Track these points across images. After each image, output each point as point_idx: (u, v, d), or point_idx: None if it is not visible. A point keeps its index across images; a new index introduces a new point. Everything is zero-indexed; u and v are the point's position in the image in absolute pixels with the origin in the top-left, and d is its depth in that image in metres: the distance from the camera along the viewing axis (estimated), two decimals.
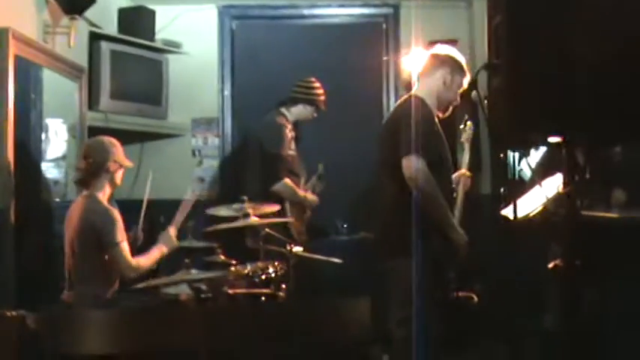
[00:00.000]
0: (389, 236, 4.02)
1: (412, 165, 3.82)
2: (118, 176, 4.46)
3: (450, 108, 4.25)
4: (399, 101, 4.34)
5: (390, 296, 3.95)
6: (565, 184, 2.64)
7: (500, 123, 2.54)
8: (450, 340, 4.24)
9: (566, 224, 2.66)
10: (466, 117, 4.70)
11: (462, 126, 4.72)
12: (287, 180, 5.43)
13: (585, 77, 2.42)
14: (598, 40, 2.42)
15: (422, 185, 3.81)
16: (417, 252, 3.70)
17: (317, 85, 5.73)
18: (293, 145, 5.65)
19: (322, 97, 5.73)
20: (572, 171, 2.65)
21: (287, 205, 5.43)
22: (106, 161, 4.34)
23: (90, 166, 4.34)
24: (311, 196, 5.69)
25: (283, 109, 5.68)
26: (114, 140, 4.46)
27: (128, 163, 4.51)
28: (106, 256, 4.19)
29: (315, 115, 5.76)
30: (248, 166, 5.65)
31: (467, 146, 4.67)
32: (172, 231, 4.55)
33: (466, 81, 4.22)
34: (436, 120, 4.14)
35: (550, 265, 3.40)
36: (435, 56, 4.25)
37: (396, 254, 3.92)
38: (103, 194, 4.37)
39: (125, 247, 4.23)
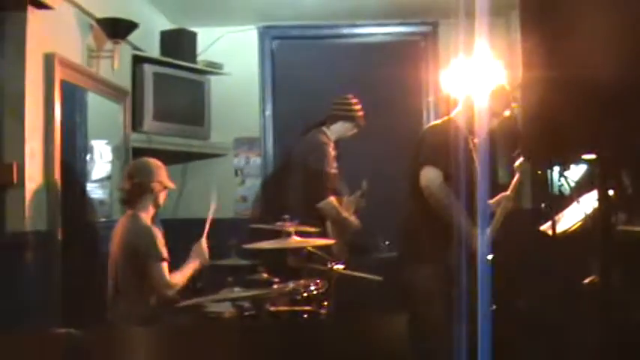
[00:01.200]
0: (408, 246, 4.11)
1: (428, 175, 4.05)
2: (162, 197, 4.54)
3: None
4: (434, 124, 4.49)
5: (411, 299, 4.02)
6: (599, 199, 2.67)
7: (533, 141, 2.59)
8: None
9: (600, 240, 2.68)
10: (518, 151, 4.72)
11: (514, 154, 4.80)
12: (332, 198, 5.48)
13: (616, 96, 2.45)
14: (629, 56, 2.45)
15: (436, 194, 4.00)
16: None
17: (355, 101, 5.79)
18: (335, 163, 5.71)
19: (360, 113, 5.79)
20: (605, 186, 2.67)
21: (329, 224, 5.49)
22: (149, 182, 4.44)
23: (134, 187, 4.44)
24: (354, 220, 5.70)
25: (324, 128, 5.74)
26: (158, 162, 4.55)
27: (171, 185, 4.60)
28: (145, 272, 4.28)
29: (355, 131, 5.82)
30: (291, 186, 5.71)
31: (518, 174, 4.71)
32: (204, 244, 4.61)
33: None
34: (469, 141, 4.24)
35: (586, 281, 3.42)
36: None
37: (414, 261, 4.01)
38: (147, 214, 4.46)
39: (164, 265, 4.30)
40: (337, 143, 5.81)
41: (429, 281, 4.00)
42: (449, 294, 3.99)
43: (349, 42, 6.87)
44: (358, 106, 5.79)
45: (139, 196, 4.45)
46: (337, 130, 5.77)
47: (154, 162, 4.55)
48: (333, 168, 5.62)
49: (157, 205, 4.55)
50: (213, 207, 4.67)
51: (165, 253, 4.35)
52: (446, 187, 3.98)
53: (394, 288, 4.56)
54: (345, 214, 5.60)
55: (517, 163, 4.70)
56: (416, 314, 3.96)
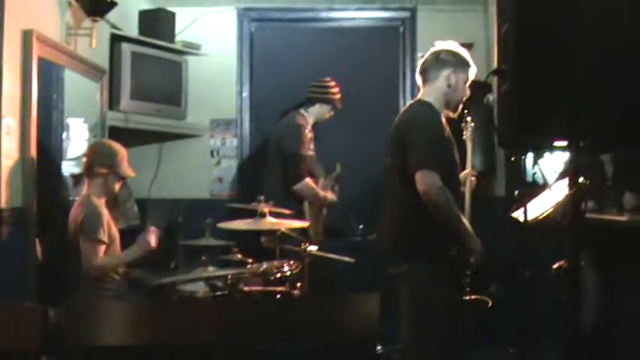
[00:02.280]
0: (403, 240, 4.05)
1: (425, 180, 3.84)
2: (115, 186, 4.48)
3: (460, 106, 4.23)
4: (406, 106, 4.36)
5: (402, 299, 4.01)
6: (570, 187, 2.71)
7: (507, 127, 2.62)
8: (463, 344, 4.32)
9: (569, 227, 2.72)
10: (466, 113, 4.69)
11: (463, 123, 4.75)
12: (308, 180, 5.53)
13: (590, 81, 2.49)
14: (603, 44, 2.49)
15: (436, 199, 3.82)
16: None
17: (332, 84, 5.85)
18: (312, 146, 5.75)
19: (338, 96, 5.85)
20: (576, 174, 2.72)
21: (306, 205, 5.53)
22: (103, 168, 4.40)
23: (87, 167, 4.43)
24: (331, 195, 5.78)
25: (302, 110, 5.79)
26: (121, 149, 4.50)
27: (130, 174, 4.54)
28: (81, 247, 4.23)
29: (332, 113, 5.88)
30: (268, 168, 5.75)
31: (469, 144, 4.71)
32: (152, 234, 4.40)
33: (472, 72, 4.18)
34: (444, 124, 4.13)
35: (554, 267, 3.47)
36: (435, 57, 4.19)
37: (411, 258, 3.97)
38: (97, 195, 4.41)
39: (98, 247, 4.22)
40: (315, 126, 5.85)
41: (431, 280, 3.94)
42: (451, 294, 4.04)
43: (327, 26, 6.87)
44: (336, 89, 5.84)
45: (89, 177, 4.43)
46: (315, 112, 5.81)
47: (116, 148, 4.49)
48: (309, 150, 5.66)
49: (108, 193, 4.48)
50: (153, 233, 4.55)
51: (103, 236, 4.26)
52: (446, 191, 3.84)
53: (368, 270, 4.61)
54: (322, 193, 5.65)
55: (466, 133, 4.75)
56: (409, 306, 4.03)
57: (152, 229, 4.42)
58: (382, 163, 4.28)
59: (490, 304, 4.50)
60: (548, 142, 2.73)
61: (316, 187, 5.62)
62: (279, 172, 5.58)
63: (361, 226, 6.42)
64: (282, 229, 4.64)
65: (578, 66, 2.47)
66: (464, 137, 4.73)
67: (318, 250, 4.64)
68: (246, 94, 6.74)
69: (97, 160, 4.41)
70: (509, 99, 2.59)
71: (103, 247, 4.25)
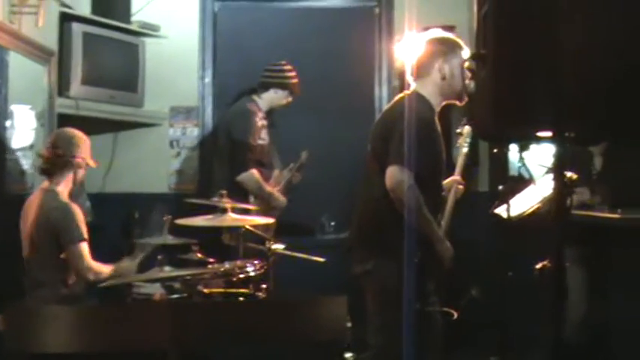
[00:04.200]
0: (371, 234, 4.06)
1: (395, 176, 3.85)
2: (81, 174, 4.51)
3: (465, 94, 4.16)
4: (399, 97, 4.28)
5: (368, 301, 4.02)
6: (555, 181, 2.72)
7: (486, 116, 2.63)
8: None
9: (554, 224, 2.73)
10: (464, 120, 4.72)
11: (458, 130, 4.74)
12: (254, 171, 5.55)
13: (577, 69, 2.50)
14: (591, 29, 2.50)
15: (403, 199, 3.83)
16: (408, 258, 3.74)
17: (288, 67, 5.88)
18: (264, 134, 5.77)
19: (294, 81, 5.87)
20: (562, 167, 2.73)
21: (251, 199, 5.55)
22: (72, 156, 4.41)
23: (55, 158, 4.40)
24: (278, 196, 5.77)
25: (254, 96, 5.84)
26: (84, 136, 4.52)
27: (93, 163, 4.57)
28: (64, 255, 4.27)
29: (290, 99, 5.90)
30: (217, 158, 5.78)
31: (462, 151, 4.68)
32: (132, 264, 4.53)
33: (465, 54, 4.13)
34: (436, 121, 4.12)
35: (537, 267, 3.49)
36: (425, 49, 4.18)
37: (376, 256, 3.98)
38: (64, 189, 4.43)
39: (85, 246, 4.29)
40: (271, 113, 5.86)
41: (390, 277, 3.93)
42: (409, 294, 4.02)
43: (297, 5, 6.87)
44: (292, 73, 5.86)
45: (60, 168, 4.42)
46: (269, 98, 5.85)
47: (81, 135, 4.52)
48: (260, 139, 5.68)
49: (75, 182, 4.52)
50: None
51: (85, 232, 4.32)
52: (416, 191, 3.84)
53: (339, 271, 4.61)
54: (269, 188, 5.66)
55: (461, 139, 4.70)
56: (374, 309, 4.03)
57: (135, 262, 4.52)
58: (357, 154, 4.28)
59: (455, 316, 4.51)
60: (531, 133, 2.72)
61: (262, 180, 5.62)
62: (226, 162, 5.62)
63: (333, 223, 6.43)
64: (246, 226, 4.64)
65: (564, 50, 2.47)
66: (457, 145, 4.71)
67: (285, 248, 4.64)
68: (208, 79, 6.72)
69: (68, 148, 4.42)
70: (487, 86, 2.59)
71: (87, 245, 4.31)
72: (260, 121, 5.72)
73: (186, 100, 6.68)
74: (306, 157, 5.97)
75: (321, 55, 6.42)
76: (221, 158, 5.69)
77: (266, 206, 5.63)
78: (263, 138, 5.73)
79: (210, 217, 4.49)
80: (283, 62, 5.89)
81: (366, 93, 6.66)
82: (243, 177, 5.51)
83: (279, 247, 4.60)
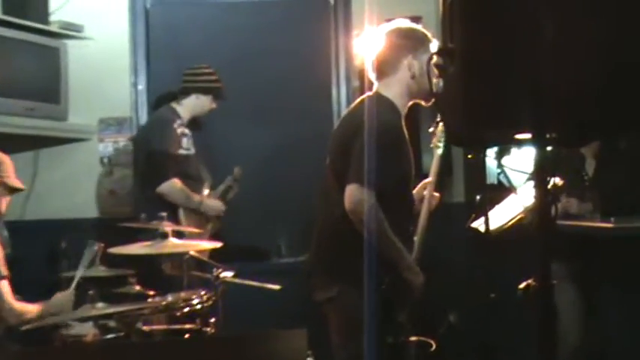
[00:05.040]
0: (331, 260, 4.06)
1: (354, 196, 3.85)
2: (4, 202, 4.46)
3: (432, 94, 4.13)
4: (360, 100, 4.28)
5: (332, 332, 4.03)
6: (537, 188, 2.75)
7: (456, 118, 2.64)
8: None
9: (538, 237, 2.76)
10: (438, 119, 4.70)
11: (431, 129, 4.74)
12: (175, 180, 5.59)
13: (557, 58, 2.51)
14: (571, 11, 2.51)
15: (363, 219, 3.83)
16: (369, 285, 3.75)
17: (209, 71, 5.98)
18: (187, 144, 5.83)
19: (217, 85, 5.98)
20: (543, 173, 2.75)
21: (181, 213, 5.57)
22: None
23: None
24: (211, 201, 5.83)
25: (173, 104, 5.93)
26: (3, 155, 4.48)
27: (19, 185, 4.53)
28: None
29: (214, 106, 6.00)
30: (137, 175, 5.88)
31: (437, 153, 4.62)
32: (67, 296, 4.46)
33: (435, 47, 4.10)
34: (403, 127, 4.12)
35: (520, 286, 3.52)
36: (390, 43, 4.17)
37: (340, 282, 3.99)
38: None
39: (5, 284, 4.24)
40: (195, 120, 5.95)
41: (354, 305, 3.92)
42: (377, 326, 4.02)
43: None
44: (213, 77, 5.98)
45: None
46: (190, 105, 5.96)
47: (1, 156, 4.49)
48: (182, 149, 5.71)
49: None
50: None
51: (3, 268, 4.27)
52: (378, 212, 3.84)
53: (298, 299, 4.62)
54: (197, 196, 5.71)
55: (434, 140, 4.65)
56: (337, 340, 4.05)
57: (70, 292, 4.43)
58: (315, 166, 4.28)
59: (433, 346, 4.53)
60: (508, 135, 2.75)
61: (187, 189, 5.66)
62: (147, 177, 5.68)
63: (285, 246, 6.44)
64: (190, 252, 4.63)
65: (543, 40, 2.48)
66: (431, 146, 4.69)
67: (235, 276, 4.63)
68: (142, 85, 6.70)
69: None
70: (457, 84, 2.60)
71: (7, 283, 4.27)
72: (179, 129, 5.78)
73: (117, 110, 6.64)
74: (239, 174, 6.02)
75: (270, 54, 6.44)
76: (142, 175, 5.74)
77: (199, 218, 5.67)
78: (186, 147, 5.80)
79: (148, 243, 4.47)
80: (204, 65, 6.00)
81: (322, 95, 6.67)
82: (164, 187, 5.55)
83: (228, 274, 4.59)
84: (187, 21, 6.78)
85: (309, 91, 6.61)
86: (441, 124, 4.64)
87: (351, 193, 3.86)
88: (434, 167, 4.58)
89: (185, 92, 5.94)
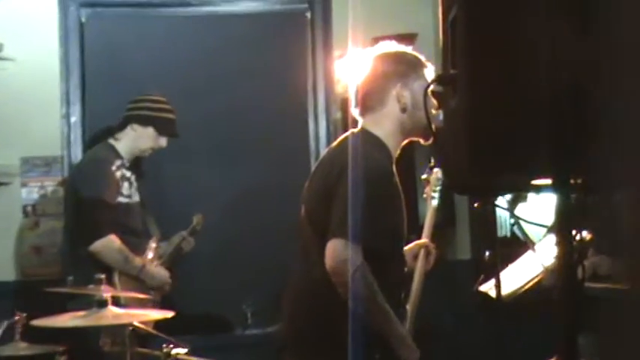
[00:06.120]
0: (308, 331, 4.05)
1: (338, 253, 3.81)
2: None
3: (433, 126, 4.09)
4: (343, 137, 4.25)
5: None
6: (559, 244, 2.74)
7: (459, 159, 2.63)
8: None
9: (562, 304, 2.75)
10: (431, 162, 4.69)
11: (424, 175, 4.74)
12: (112, 237, 5.52)
13: (580, 88, 2.51)
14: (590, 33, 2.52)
15: (348, 282, 3.79)
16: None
17: (155, 99, 5.92)
18: (128, 190, 5.79)
19: (163, 115, 5.88)
20: (567, 225, 2.75)
21: (116, 277, 5.50)
22: None
23: None
24: (153, 269, 5.77)
25: (111, 140, 5.86)
26: None
27: None
28: None
29: (163, 143, 5.89)
30: (66, 228, 5.87)
31: (432, 205, 4.65)
32: None
33: (429, 73, 4.10)
34: (394, 172, 4.09)
35: None
36: (374, 71, 4.17)
37: (321, 353, 3.98)
38: None
39: None
40: (138, 160, 5.90)
41: None
42: None
43: (199, 11, 6.89)
44: (158, 105, 5.89)
45: None
46: (129, 139, 5.87)
47: None
48: (121, 196, 5.66)
49: None
50: None
51: None
52: (366, 274, 3.81)
53: None
54: (138, 259, 5.65)
55: (428, 188, 4.68)
56: None
57: None
58: (287, 217, 4.27)
59: None
60: (522, 181, 2.75)
61: (126, 248, 5.58)
62: (76, 231, 5.63)
63: (251, 314, 6.43)
64: (134, 324, 4.61)
65: (562, 67, 2.49)
66: (424, 196, 4.69)
67: (189, 352, 4.61)
68: (76, 117, 6.69)
69: None
70: (460, 118, 2.60)
71: None
72: (119, 172, 5.72)
73: (44, 148, 6.63)
74: (199, 223, 5.98)
75: (234, 79, 6.45)
76: (73, 228, 5.70)
77: (140, 284, 5.60)
78: (126, 194, 5.74)
79: (82, 313, 4.45)
80: (152, 93, 5.95)
81: (297, 129, 6.67)
82: (97, 245, 5.48)
83: (181, 351, 4.57)
84: (132, 38, 6.78)
85: (282, 125, 6.61)
86: (435, 169, 4.66)
87: (334, 250, 3.82)
88: (428, 223, 4.60)
89: (123, 124, 5.88)
